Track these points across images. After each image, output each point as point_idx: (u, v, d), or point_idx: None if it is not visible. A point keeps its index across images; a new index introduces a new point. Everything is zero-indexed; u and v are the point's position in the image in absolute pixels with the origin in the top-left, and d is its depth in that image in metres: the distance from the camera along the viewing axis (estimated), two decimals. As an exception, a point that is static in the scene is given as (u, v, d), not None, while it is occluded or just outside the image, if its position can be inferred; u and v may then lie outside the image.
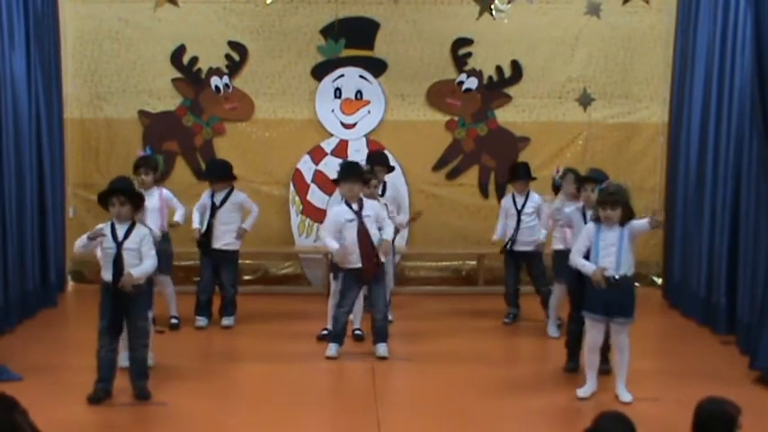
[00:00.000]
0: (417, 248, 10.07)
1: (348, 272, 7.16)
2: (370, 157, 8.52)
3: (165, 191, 7.98)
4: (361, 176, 7.21)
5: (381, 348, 7.17)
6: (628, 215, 6.03)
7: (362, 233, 7.08)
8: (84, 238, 5.98)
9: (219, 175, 8.26)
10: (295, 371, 6.90)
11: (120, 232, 5.92)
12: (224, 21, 9.95)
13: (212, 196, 8.21)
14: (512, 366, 7.21)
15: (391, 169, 8.60)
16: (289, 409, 5.99)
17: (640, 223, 6.07)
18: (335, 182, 7.39)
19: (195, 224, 8.16)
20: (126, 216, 5.93)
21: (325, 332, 7.55)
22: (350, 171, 7.22)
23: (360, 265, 7.07)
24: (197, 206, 8.26)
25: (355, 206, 7.13)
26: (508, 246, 8.39)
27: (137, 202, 6.00)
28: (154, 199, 7.66)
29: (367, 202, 7.19)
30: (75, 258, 9.56)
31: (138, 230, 5.97)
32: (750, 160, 7.26)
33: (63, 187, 9.53)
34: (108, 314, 5.90)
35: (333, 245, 7.05)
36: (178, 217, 7.96)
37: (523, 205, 8.34)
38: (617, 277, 6.00)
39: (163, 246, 7.20)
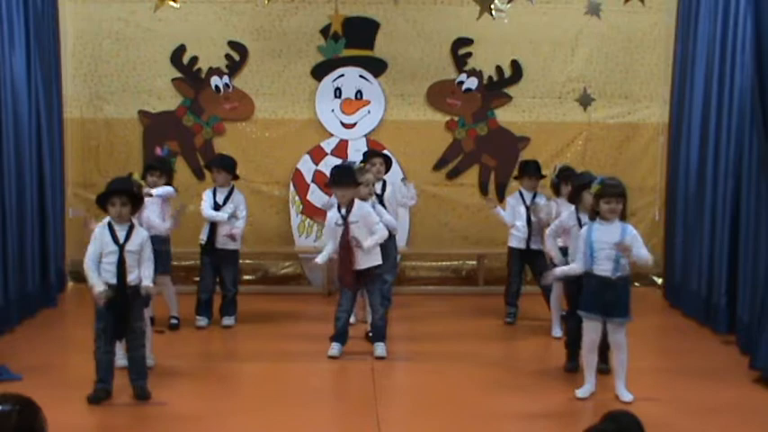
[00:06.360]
0: (417, 248, 10.06)
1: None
2: (366, 153, 8.48)
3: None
4: (353, 181, 7.15)
5: (378, 348, 7.17)
6: (624, 210, 6.01)
7: (344, 239, 7.07)
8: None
9: (224, 164, 8.22)
10: (295, 371, 6.90)
11: (121, 234, 5.88)
12: (224, 21, 9.95)
13: (214, 195, 8.21)
14: (512, 366, 7.19)
15: (389, 164, 8.39)
16: (288, 408, 5.98)
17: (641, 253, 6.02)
18: (328, 186, 7.38)
19: (203, 235, 8.17)
20: (126, 217, 5.91)
21: None
22: (342, 176, 7.17)
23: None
24: (206, 207, 8.15)
25: (344, 210, 7.12)
26: (522, 245, 8.28)
27: (136, 203, 5.98)
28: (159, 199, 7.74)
29: (356, 206, 7.12)
30: (74, 258, 9.56)
31: (139, 233, 5.95)
32: (750, 160, 7.25)
33: (63, 187, 9.52)
34: (104, 317, 5.87)
35: (320, 257, 7.23)
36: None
37: (532, 202, 8.24)
38: (614, 279, 5.98)
39: (162, 246, 7.19)
